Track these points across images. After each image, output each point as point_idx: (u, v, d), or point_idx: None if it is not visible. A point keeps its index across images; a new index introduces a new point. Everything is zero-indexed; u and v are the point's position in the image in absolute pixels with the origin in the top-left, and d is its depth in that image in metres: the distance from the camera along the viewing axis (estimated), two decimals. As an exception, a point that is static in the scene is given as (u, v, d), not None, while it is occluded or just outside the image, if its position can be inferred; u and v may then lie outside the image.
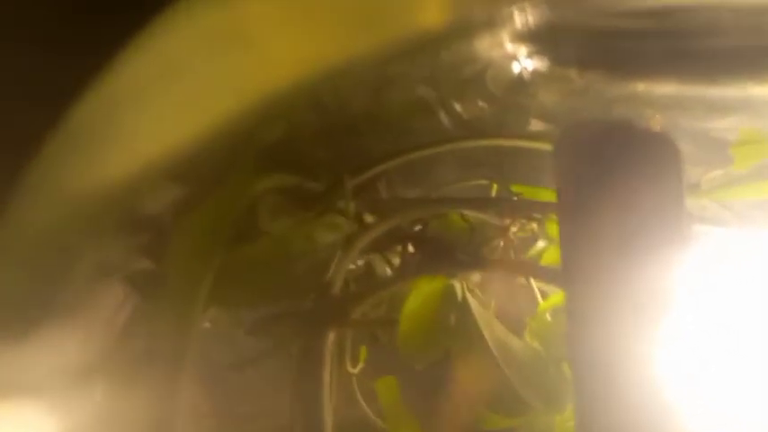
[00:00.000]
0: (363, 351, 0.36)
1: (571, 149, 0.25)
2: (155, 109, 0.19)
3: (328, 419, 0.24)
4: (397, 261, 0.34)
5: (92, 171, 0.20)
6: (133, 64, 0.18)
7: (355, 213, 0.28)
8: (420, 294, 0.34)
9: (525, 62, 0.29)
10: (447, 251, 0.34)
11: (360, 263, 0.33)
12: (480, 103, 0.30)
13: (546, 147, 0.31)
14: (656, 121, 0.33)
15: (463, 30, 0.23)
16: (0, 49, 0.22)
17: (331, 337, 0.25)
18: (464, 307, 0.33)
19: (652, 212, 0.24)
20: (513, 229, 0.36)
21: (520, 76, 0.29)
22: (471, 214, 0.35)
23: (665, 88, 0.33)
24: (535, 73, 0.30)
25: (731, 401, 0.28)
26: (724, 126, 0.34)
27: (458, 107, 0.30)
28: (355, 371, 0.35)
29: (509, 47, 0.27)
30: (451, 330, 0.33)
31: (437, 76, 0.27)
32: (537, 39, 0.27)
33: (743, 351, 0.32)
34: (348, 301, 0.26)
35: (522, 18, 0.25)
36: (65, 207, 0.20)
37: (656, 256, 0.24)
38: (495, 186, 0.37)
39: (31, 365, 0.22)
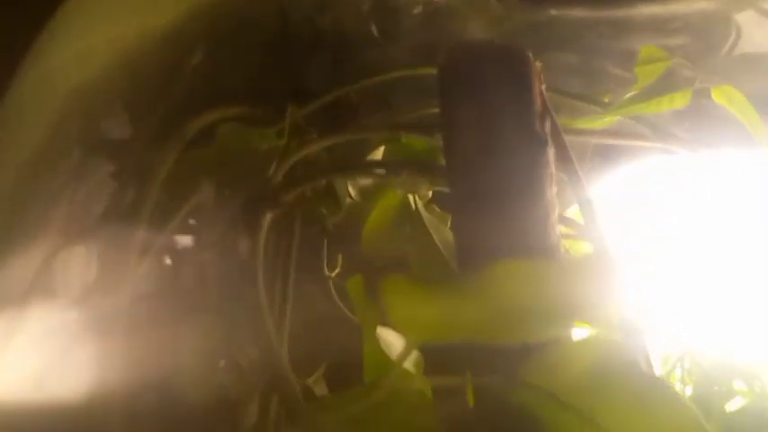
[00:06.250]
0: (340, 259, 0.42)
1: (448, 70, 0.29)
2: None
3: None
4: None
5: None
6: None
7: (301, 133, 0.34)
8: (381, 207, 0.40)
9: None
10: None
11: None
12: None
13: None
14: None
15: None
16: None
17: (268, 217, 0.31)
18: (417, 216, 0.39)
19: (509, 122, 0.28)
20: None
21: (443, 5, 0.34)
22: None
23: (578, 12, 0.36)
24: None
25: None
26: (633, 44, 0.37)
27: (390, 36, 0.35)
28: (332, 275, 0.42)
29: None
30: (407, 235, 0.39)
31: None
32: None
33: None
34: (284, 187, 0.32)
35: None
36: (55, 91, 0.26)
37: (514, 160, 0.28)
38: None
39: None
